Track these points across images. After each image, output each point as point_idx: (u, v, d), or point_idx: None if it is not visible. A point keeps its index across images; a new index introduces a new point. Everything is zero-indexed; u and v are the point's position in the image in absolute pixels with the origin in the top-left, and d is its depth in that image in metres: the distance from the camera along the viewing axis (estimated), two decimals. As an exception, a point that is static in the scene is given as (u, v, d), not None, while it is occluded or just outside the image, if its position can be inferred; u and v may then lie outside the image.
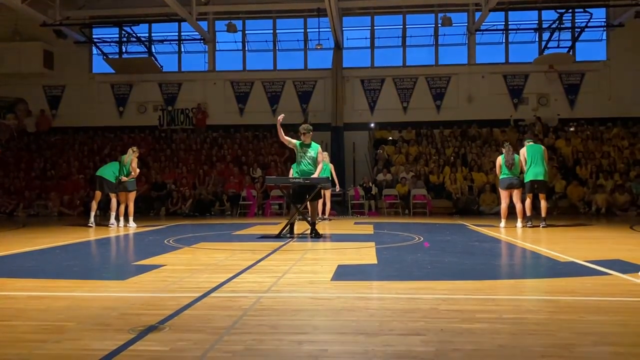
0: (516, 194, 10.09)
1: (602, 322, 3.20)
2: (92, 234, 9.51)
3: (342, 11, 19.37)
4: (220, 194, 16.00)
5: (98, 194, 11.00)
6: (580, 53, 19.39)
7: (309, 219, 8.63)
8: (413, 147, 18.43)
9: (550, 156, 17.09)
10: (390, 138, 19.23)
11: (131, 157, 10.74)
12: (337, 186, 13.01)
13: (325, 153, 12.44)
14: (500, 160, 10.16)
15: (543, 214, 10.40)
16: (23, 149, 19.61)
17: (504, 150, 10.18)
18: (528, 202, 10.22)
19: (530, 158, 10.17)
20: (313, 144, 8.62)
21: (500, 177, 10.23)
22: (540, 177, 10.12)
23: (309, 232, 8.46)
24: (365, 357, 2.56)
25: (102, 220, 11.97)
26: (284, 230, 8.36)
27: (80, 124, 20.30)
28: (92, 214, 10.98)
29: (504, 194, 10.25)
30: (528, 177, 10.12)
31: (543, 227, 10.05)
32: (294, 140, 8.61)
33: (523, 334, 2.91)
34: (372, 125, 19.88)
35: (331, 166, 12.32)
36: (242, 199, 15.68)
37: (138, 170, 11.03)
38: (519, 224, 10.11)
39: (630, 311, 3.51)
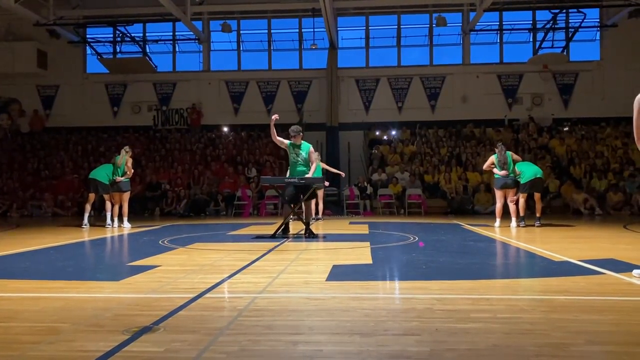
0: (510, 194, 10.13)
1: (595, 321, 3.22)
2: (86, 235, 9.48)
3: (337, 11, 19.38)
4: (215, 194, 15.97)
5: (92, 195, 11.01)
6: (574, 53, 19.47)
7: (304, 219, 8.64)
8: (408, 147, 18.46)
9: (544, 155, 17.25)
10: (385, 138, 19.28)
11: (125, 158, 10.74)
12: (341, 173, 13.78)
13: (317, 153, 12.53)
14: (493, 158, 10.19)
15: (538, 213, 10.45)
16: (16, 149, 19.50)
17: (496, 150, 10.22)
18: (522, 201, 10.26)
19: (523, 164, 10.42)
20: (304, 144, 8.66)
21: (495, 176, 10.28)
22: (539, 175, 10.25)
23: (303, 232, 8.47)
24: (359, 357, 2.57)
25: (96, 221, 11.92)
26: (279, 231, 8.36)
27: (74, 124, 20.22)
28: (86, 215, 10.98)
29: (498, 194, 10.29)
30: (528, 177, 10.12)
31: (537, 226, 10.11)
32: (286, 141, 8.65)
33: (517, 333, 2.92)
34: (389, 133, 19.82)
35: (322, 165, 12.38)
36: (237, 199, 15.66)
37: (132, 170, 11.04)
38: (513, 223, 10.15)
39: (624, 310, 3.52)
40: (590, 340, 2.81)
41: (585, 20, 18.47)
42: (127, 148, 11.01)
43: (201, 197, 15.79)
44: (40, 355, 2.63)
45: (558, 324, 3.11)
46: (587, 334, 2.90)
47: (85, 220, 10.90)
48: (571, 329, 3.01)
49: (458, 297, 3.89)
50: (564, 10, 18.39)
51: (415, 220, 13.05)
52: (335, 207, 15.79)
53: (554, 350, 2.64)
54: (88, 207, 11.06)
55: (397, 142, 18.83)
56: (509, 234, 8.86)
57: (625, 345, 2.77)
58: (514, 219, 10.19)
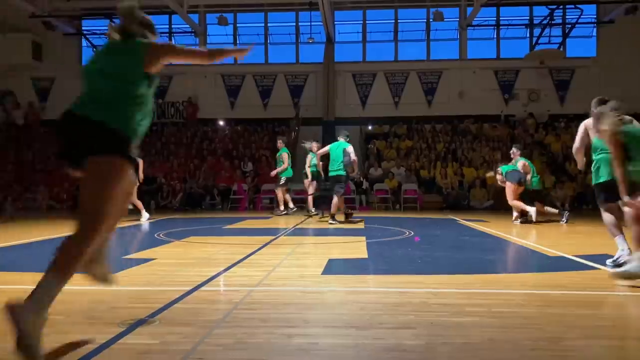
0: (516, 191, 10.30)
1: (590, 315, 3.23)
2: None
3: (334, 5, 19.33)
4: (211, 188, 15.95)
5: None
6: (571, 49, 19.50)
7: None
8: (404, 142, 18.46)
9: (540, 152, 17.29)
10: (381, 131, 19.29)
11: None
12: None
13: (315, 143, 12.61)
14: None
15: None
16: (11, 141, 19.41)
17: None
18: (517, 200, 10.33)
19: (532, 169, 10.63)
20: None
21: (508, 168, 10.35)
22: (533, 187, 10.53)
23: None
24: (355, 350, 2.57)
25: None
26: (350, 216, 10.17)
27: (70, 117, 20.10)
28: None
29: (512, 188, 10.39)
30: (535, 184, 10.44)
31: (521, 222, 10.21)
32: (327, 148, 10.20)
33: (512, 327, 2.93)
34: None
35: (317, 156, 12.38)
36: (233, 193, 15.65)
37: None
38: (517, 221, 10.24)
39: (618, 305, 3.54)
40: (584, 334, 2.83)
41: (582, 17, 18.52)
42: None
43: (197, 191, 15.77)
44: (35, 347, 2.62)
45: (553, 318, 3.12)
46: (581, 328, 2.92)
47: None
48: (566, 323, 3.02)
49: (453, 291, 3.90)
50: (561, 7, 18.43)
51: (410, 215, 13.07)
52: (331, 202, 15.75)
53: (549, 344, 2.65)
54: None
55: (393, 137, 18.82)
56: (504, 230, 8.88)
57: (619, 340, 2.79)
58: (515, 216, 10.31)
